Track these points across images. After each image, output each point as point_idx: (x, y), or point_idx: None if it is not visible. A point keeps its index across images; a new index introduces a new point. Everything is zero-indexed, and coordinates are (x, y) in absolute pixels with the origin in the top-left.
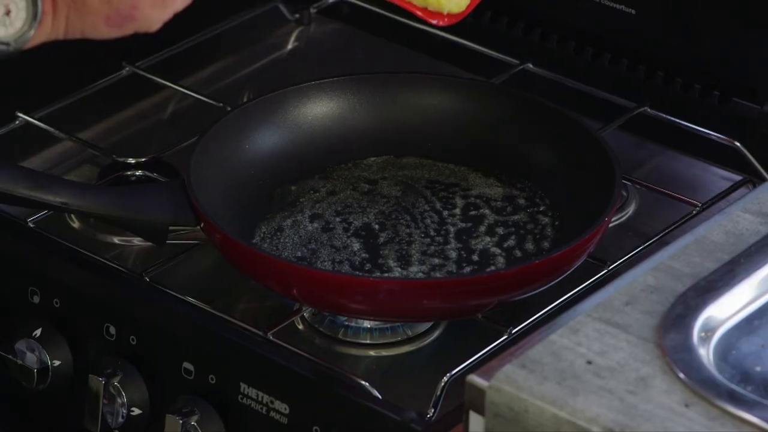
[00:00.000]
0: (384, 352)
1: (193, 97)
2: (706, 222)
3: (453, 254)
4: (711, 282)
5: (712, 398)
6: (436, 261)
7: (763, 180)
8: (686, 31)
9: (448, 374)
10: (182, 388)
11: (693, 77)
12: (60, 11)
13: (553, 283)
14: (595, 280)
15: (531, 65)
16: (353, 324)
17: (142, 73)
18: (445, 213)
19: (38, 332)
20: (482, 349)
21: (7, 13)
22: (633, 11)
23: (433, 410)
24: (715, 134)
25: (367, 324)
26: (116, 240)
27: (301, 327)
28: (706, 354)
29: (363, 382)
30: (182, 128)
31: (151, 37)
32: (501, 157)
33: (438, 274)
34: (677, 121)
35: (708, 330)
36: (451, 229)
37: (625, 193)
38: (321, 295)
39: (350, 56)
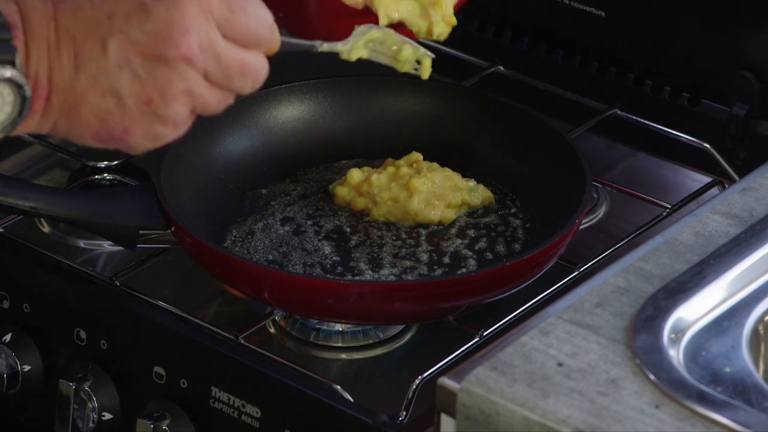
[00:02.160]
0: (356, 355)
1: None
2: (676, 224)
3: (424, 257)
4: (681, 283)
5: (682, 399)
6: (408, 264)
7: (732, 182)
8: (656, 34)
9: (419, 377)
10: (153, 393)
11: (663, 79)
12: (50, 114)
13: (524, 285)
14: (565, 282)
15: (502, 68)
16: (325, 327)
17: None
18: None
19: (8, 337)
20: (454, 352)
21: None
22: (603, 14)
23: (404, 413)
24: (685, 136)
25: (338, 327)
26: (86, 244)
27: (272, 330)
28: (676, 355)
29: (335, 386)
30: None
31: None
32: (472, 159)
33: (409, 277)
34: (647, 123)
35: (678, 331)
36: (423, 231)
37: (595, 195)
38: (292, 298)
39: (323, 59)
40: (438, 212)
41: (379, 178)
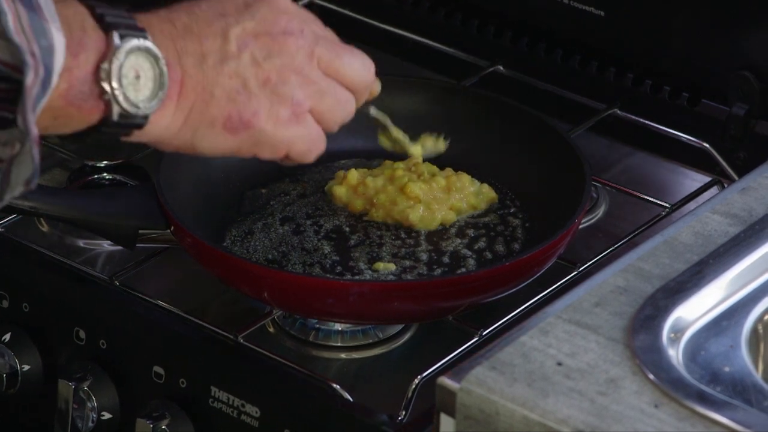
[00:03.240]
0: (355, 355)
1: None
2: (676, 223)
3: (424, 256)
4: (680, 283)
5: (682, 399)
6: (407, 263)
7: (732, 181)
8: (656, 33)
9: (419, 376)
10: (153, 392)
11: (662, 79)
12: (185, 99)
13: (523, 284)
14: (565, 281)
15: (501, 67)
16: (324, 327)
17: None
18: None
19: (7, 337)
20: (453, 351)
21: (137, 77)
22: (603, 13)
23: (404, 412)
24: (685, 136)
25: (338, 326)
26: (86, 244)
27: (271, 330)
28: (676, 355)
29: (334, 385)
30: None
31: None
32: (471, 158)
33: (409, 276)
34: (647, 122)
35: (677, 331)
36: (422, 231)
37: (595, 195)
38: (292, 297)
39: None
40: (438, 217)
41: (375, 180)
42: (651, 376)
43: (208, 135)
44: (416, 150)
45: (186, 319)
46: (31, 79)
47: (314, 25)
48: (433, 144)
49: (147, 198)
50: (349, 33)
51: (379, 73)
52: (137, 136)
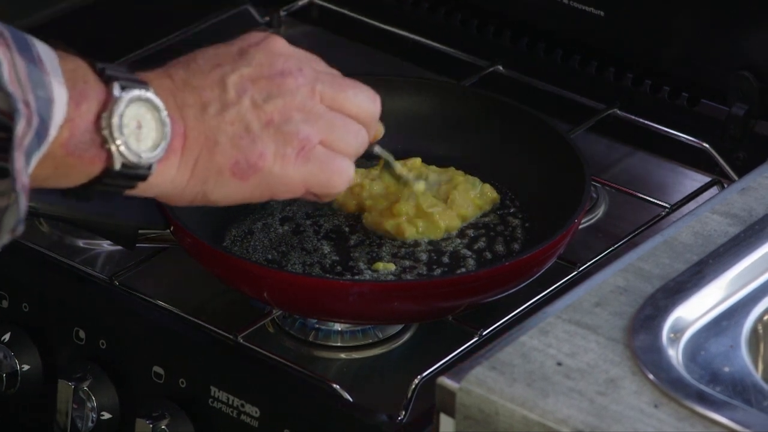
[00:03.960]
0: (355, 355)
1: None
2: (675, 223)
3: (423, 256)
4: (680, 283)
5: (682, 399)
6: (407, 263)
7: (731, 181)
8: (655, 33)
9: (419, 376)
10: (152, 392)
11: (662, 79)
12: (190, 150)
13: (523, 284)
14: (565, 281)
15: (501, 67)
16: (324, 327)
17: None
18: None
19: (7, 337)
20: (453, 351)
21: (139, 127)
22: (602, 13)
23: (404, 413)
24: (685, 136)
25: (337, 327)
26: (85, 244)
27: (271, 330)
28: (675, 355)
29: (334, 385)
30: None
31: (120, 39)
32: (471, 158)
33: (409, 276)
34: (647, 122)
35: (677, 331)
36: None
37: (594, 195)
38: (292, 297)
39: (320, 58)
40: (442, 226)
41: (371, 185)
42: (651, 376)
43: (219, 184)
44: (420, 186)
45: (186, 319)
46: (22, 128)
47: (314, 64)
48: (437, 178)
49: (147, 198)
50: (349, 33)
51: (379, 74)
52: (144, 190)
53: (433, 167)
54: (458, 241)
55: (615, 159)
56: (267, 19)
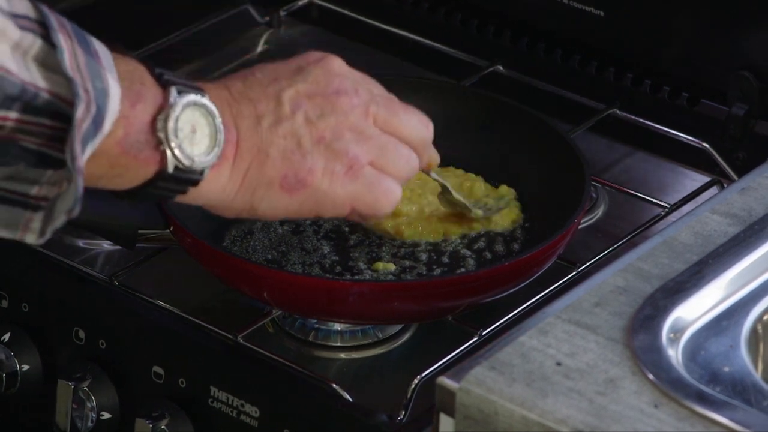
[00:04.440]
0: (355, 355)
1: None
2: (675, 223)
3: (423, 256)
4: (679, 283)
5: (681, 399)
6: (407, 263)
7: (731, 181)
8: (655, 33)
9: (418, 376)
10: (152, 392)
11: (662, 79)
12: (242, 160)
13: (523, 284)
14: (564, 281)
15: (501, 67)
16: (324, 327)
17: None
18: None
19: (6, 337)
20: (452, 351)
21: (193, 131)
22: (602, 13)
23: (403, 412)
24: (684, 136)
25: (337, 326)
26: (85, 244)
27: (271, 330)
28: (675, 355)
29: (334, 385)
30: None
31: (120, 39)
32: (470, 159)
33: (408, 276)
34: (646, 122)
35: (677, 331)
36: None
37: (594, 195)
38: (291, 297)
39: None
40: (440, 231)
41: None
42: (650, 376)
43: (267, 196)
44: (477, 213)
45: (185, 319)
46: (81, 112)
47: (370, 86)
48: (495, 204)
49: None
50: (349, 33)
51: (379, 73)
52: (194, 197)
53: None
54: (458, 241)
55: (615, 159)
56: (267, 19)
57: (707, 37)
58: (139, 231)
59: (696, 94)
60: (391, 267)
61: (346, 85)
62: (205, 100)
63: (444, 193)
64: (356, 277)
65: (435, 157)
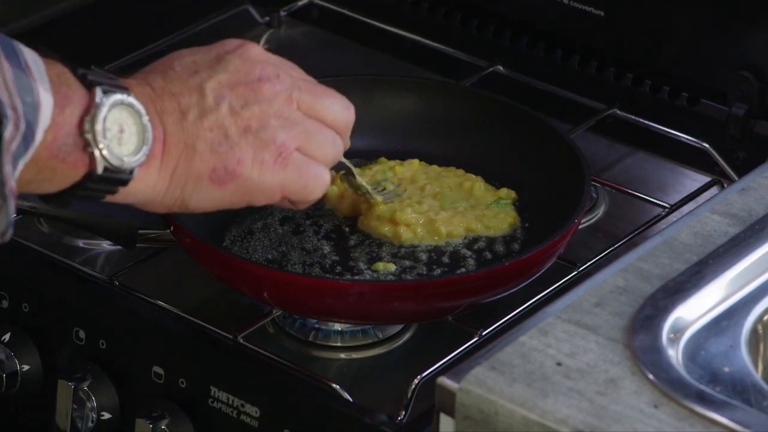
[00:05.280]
0: (355, 355)
1: None
2: (675, 223)
3: (423, 256)
4: (680, 283)
5: (681, 399)
6: (407, 263)
7: (731, 181)
8: (655, 33)
9: (418, 376)
10: (152, 392)
11: (662, 79)
12: (170, 156)
13: (523, 284)
14: (564, 281)
15: (501, 67)
16: (324, 327)
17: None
18: None
19: (7, 337)
20: (453, 352)
21: (121, 131)
22: (602, 13)
23: (404, 413)
24: (684, 136)
25: (337, 327)
26: (85, 244)
27: (271, 330)
28: (675, 355)
29: (334, 385)
30: None
31: (119, 40)
32: (470, 159)
33: (409, 277)
34: (646, 122)
35: (677, 331)
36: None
37: (594, 195)
38: (291, 297)
39: (320, 59)
40: (443, 232)
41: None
42: (650, 376)
43: (197, 190)
44: (377, 199)
45: (185, 319)
46: (9, 132)
47: (291, 70)
48: (394, 190)
49: None
50: (350, 33)
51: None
52: (124, 196)
53: (435, 167)
54: (458, 241)
55: (615, 159)
56: (267, 19)
57: (707, 37)
58: (139, 231)
59: (696, 94)
60: (392, 267)
61: (267, 72)
62: (132, 99)
63: (347, 175)
64: (356, 277)
65: (348, 141)
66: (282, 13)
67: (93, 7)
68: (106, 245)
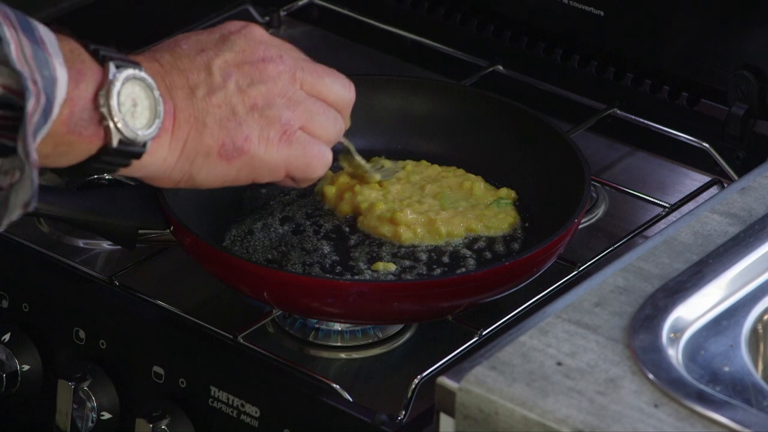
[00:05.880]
0: (355, 355)
1: None
2: (675, 223)
3: (423, 256)
4: (680, 283)
5: (681, 399)
6: (407, 263)
7: (731, 181)
8: (655, 33)
9: (418, 376)
10: (152, 392)
11: (662, 79)
12: (180, 129)
13: (523, 284)
14: (564, 281)
15: (501, 67)
16: (324, 327)
17: None
18: None
19: (7, 337)
20: (453, 351)
21: (134, 105)
22: (602, 13)
23: (404, 412)
24: (684, 136)
25: (337, 326)
26: (85, 244)
27: (271, 330)
28: (675, 354)
29: (334, 385)
30: None
31: (119, 40)
32: (471, 158)
33: (409, 276)
34: (646, 122)
35: (677, 331)
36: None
37: (594, 195)
38: (291, 297)
39: (320, 58)
40: (443, 232)
41: (363, 191)
42: (650, 376)
43: (206, 165)
44: (375, 177)
45: (186, 319)
46: (32, 106)
47: (293, 52)
48: (392, 167)
49: (147, 198)
50: (349, 33)
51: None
52: (136, 169)
53: (435, 166)
54: (458, 241)
55: (615, 159)
56: (267, 18)
57: (707, 36)
58: (139, 231)
59: (696, 94)
60: (392, 267)
61: (271, 52)
62: (143, 74)
63: (346, 154)
64: (356, 277)
65: (348, 121)
66: (282, 13)
67: (93, 7)
68: (106, 245)
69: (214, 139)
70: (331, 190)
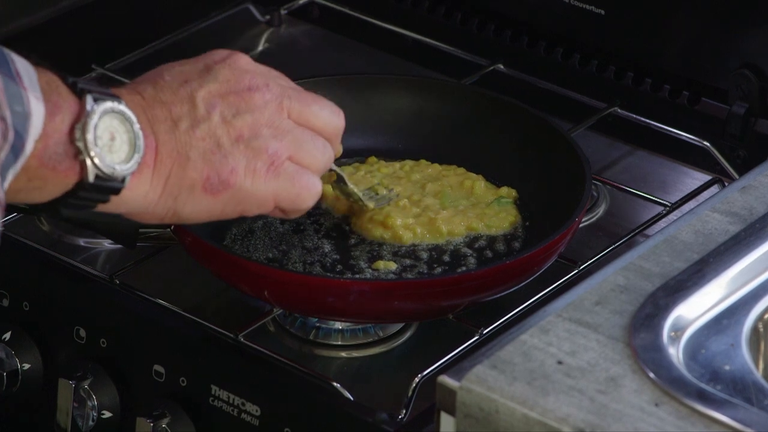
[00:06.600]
0: (355, 354)
1: None
2: (676, 222)
3: (424, 255)
4: (680, 281)
5: (682, 397)
6: (408, 262)
7: (732, 180)
8: (656, 32)
9: (419, 375)
10: (153, 391)
11: (663, 77)
12: (162, 164)
13: (524, 283)
14: (565, 280)
15: (501, 66)
16: (324, 325)
17: (111, 75)
18: None
19: (7, 336)
20: (453, 350)
21: (112, 139)
22: (603, 12)
23: (404, 411)
24: (685, 134)
25: (338, 325)
26: (86, 243)
27: (272, 329)
28: (676, 353)
29: (334, 384)
30: None
31: (120, 39)
32: (471, 157)
33: (409, 275)
34: (647, 121)
35: (677, 329)
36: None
37: (595, 194)
38: (292, 296)
39: (321, 57)
40: (443, 231)
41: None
42: (651, 375)
43: (190, 200)
44: (369, 205)
45: (186, 317)
46: None
47: (279, 79)
48: (386, 195)
49: None
50: (350, 32)
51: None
52: (116, 205)
53: (436, 165)
54: (459, 240)
55: (615, 157)
56: (267, 18)
57: (708, 35)
58: (140, 230)
59: (696, 93)
60: (392, 266)
61: (257, 81)
62: (122, 107)
63: (338, 182)
64: (357, 275)
65: (339, 148)
66: (282, 12)
67: (93, 7)
68: (106, 244)
69: (198, 172)
70: (328, 190)
